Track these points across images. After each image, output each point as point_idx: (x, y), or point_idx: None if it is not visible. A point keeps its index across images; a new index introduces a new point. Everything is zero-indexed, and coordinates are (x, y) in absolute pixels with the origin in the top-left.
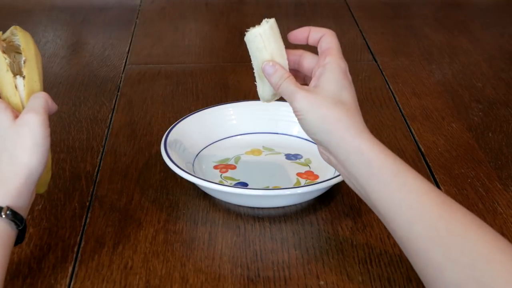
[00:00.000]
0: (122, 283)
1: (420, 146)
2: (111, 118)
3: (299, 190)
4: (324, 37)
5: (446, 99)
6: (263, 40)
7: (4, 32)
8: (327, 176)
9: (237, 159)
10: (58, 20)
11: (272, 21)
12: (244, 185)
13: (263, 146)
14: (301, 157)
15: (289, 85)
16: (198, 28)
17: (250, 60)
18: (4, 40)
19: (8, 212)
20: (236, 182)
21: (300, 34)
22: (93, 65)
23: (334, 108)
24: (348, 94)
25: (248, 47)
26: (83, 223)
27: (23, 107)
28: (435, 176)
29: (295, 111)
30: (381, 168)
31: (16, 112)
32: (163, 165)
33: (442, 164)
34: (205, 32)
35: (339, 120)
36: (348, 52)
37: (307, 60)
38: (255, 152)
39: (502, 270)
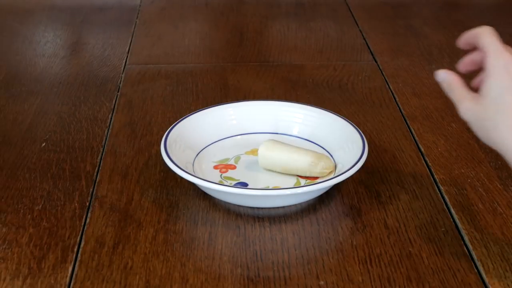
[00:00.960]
0: (122, 283)
1: (420, 146)
2: (111, 118)
3: (299, 190)
4: (479, 40)
5: (446, 99)
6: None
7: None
8: (327, 176)
9: (237, 159)
10: (58, 20)
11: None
12: (244, 185)
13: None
14: None
15: (454, 94)
16: (198, 28)
17: (250, 60)
18: None
19: None
20: (236, 182)
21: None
22: (93, 65)
23: (494, 118)
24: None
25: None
26: (83, 223)
27: None
28: (435, 176)
29: None
30: None
31: None
32: (163, 165)
33: (442, 164)
34: (205, 32)
35: (501, 130)
36: (348, 52)
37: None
38: (255, 152)
39: None
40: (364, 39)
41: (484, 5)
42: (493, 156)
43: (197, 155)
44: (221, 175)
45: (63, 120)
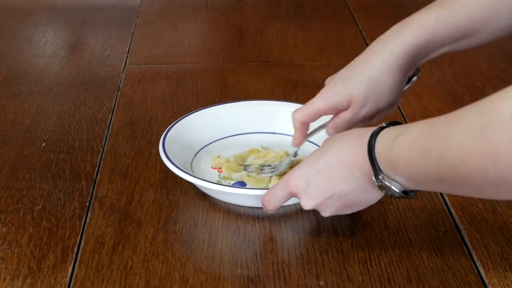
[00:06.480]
0: (122, 283)
1: None
2: (111, 118)
3: None
4: None
5: (446, 99)
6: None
7: None
8: None
9: None
10: (58, 20)
11: None
12: (242, 185)
13: (261, 146)
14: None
15: None
16: (198, 28)
17: (250, 60)
18: None
19: None
20: (234, 182)
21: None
22: (93, 65)
23: None
24: None
25: None
26: (83, 223)
27: None
28: None
29: None
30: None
31: None
32: (163, 165)
33: None
34: (205, 32)
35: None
36: (348, 52)
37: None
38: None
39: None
40: (364, 39)
41: None
42: None
43: (196, 154)
44: (219, 175)
45: (63, 120)
